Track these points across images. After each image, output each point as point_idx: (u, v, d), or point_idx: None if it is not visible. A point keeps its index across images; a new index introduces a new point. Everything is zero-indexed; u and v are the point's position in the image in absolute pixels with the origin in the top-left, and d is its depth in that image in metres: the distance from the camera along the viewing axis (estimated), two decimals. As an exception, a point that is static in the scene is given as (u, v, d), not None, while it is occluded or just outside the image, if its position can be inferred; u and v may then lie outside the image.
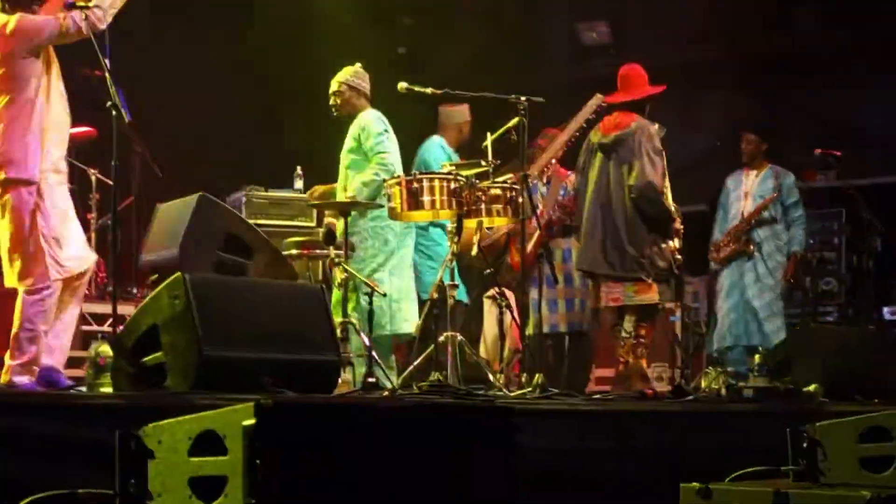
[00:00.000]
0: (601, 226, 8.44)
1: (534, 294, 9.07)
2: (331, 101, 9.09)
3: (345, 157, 8.97)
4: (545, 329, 9.43)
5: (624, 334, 8.41)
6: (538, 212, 9.22)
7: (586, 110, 9.13)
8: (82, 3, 6.71)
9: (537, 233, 8.97)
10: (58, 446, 4.39)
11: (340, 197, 8.81)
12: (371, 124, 8.88)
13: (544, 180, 9.71)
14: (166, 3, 11.55)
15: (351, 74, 9.10)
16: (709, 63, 14.06)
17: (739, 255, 10.28)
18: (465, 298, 9.47)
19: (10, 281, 6.74)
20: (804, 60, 14.04)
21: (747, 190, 10.35)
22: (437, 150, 9.60)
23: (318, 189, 9.36)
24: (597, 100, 9.16)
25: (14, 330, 6.58)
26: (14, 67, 6.71)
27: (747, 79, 13.95)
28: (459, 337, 7.78)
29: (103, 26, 6.77)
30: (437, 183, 7.65)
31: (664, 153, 8.62)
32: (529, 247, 8.78)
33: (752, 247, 10.21)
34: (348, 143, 8.97)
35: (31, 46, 6.71)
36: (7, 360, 6.59)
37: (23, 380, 6.49)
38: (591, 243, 8.44)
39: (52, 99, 6.78)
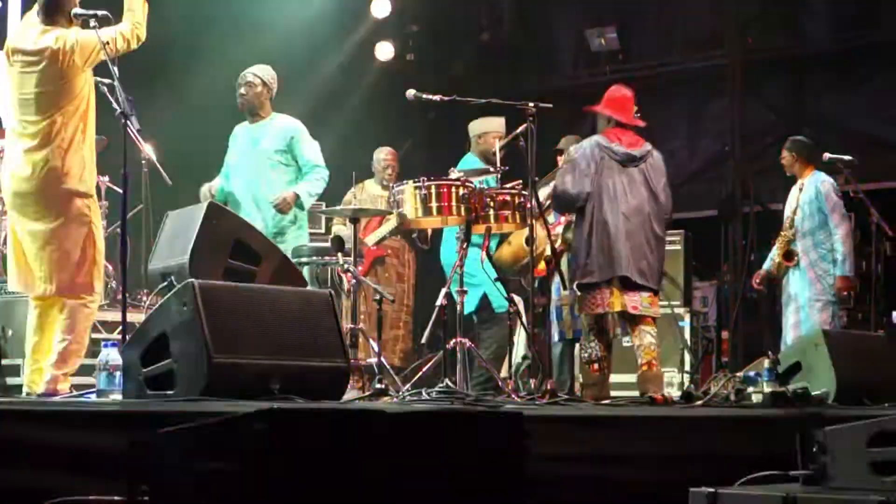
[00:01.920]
0: (629, 234, 8.27)
1: (559, 302, 9.29)
2: (241, 91, 9.01)
3: (263, 157, 8.92)
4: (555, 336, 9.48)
5: (653, 341, 8.30)
6: (561, 218, 9.27)
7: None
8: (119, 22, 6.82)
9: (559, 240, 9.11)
10: (68, 454, 4.40)
11: (247, 195, 8.88)
12: (305, 134, 8.99)
13: None
14: (176, 10, 11.58)
15: (268, 73, 9.05)
16: (717, 68, 14.05)
17: (788, 268, 10.29)
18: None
19: (43, 289, 6.77)
20: (812, 65, 14.04)
21: (790, 202, 10.40)
22: (471, 163, 9.43)
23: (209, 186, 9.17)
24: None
25: (65, 341, 6.65)
26: (71, 82, 6.76)
27: (756, 84, 13.94)
28: (468, 343, 7.79)
29: (143, 39, 6.86)
30: (445, 189, 7.66)
31: None
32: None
33: (794, 259, 10.23)
34: (272, 143, 8.93)
35: (90, 62, 6.76)
36: (52, 370, 6.65)
37: (65, 388, 6.56)
38: (623, 249, 8.26)
39: (93, 115, 6.86)
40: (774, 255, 10.44)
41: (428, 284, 10.92)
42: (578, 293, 8.42)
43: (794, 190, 10.43)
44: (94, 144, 7.01)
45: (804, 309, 10.20)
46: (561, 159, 9.72)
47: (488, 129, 9.45)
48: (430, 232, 9.99)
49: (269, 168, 8.89)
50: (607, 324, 8.45)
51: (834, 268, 10.19)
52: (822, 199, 10.20)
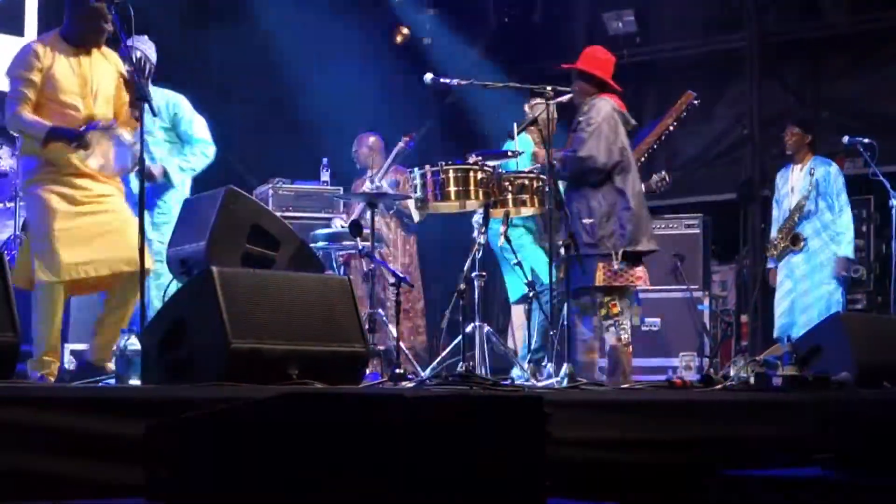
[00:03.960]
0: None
1: None
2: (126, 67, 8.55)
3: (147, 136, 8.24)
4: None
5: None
6: None
7: (678, 107, 9.07)
8: None
9: None
10: (86, 440, 4.40)
11: (133, 178, 8.03)
12: (188, 107, 8.56)
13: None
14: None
15: (149, 44, 8.40)
16: (735, 51, 14.01)
17: (790, 251, 10.24)
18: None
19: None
20: (832, 47, 13.99)
21: (793, 185, 10.34)
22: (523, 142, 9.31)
23: None
24: (688, 97, 9.10)
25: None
26: None
27: (774, 67, 13.90)
28: (487, 327, 7.78)
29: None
30: (463, 174, 7.65)
31: None
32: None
33: (801, 243, 10.19)
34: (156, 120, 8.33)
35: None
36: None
37: (35, 374, 6.62)
38: (648, 222, 8.25)
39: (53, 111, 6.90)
40: (776, 239, 10.36)
41: (431, 270, 10.97)
42: (621, 265, 8.09)
43: (795, 174, 10.36)
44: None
45: (813, 291, 10.16)
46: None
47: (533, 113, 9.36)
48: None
49: (153, 147, 8.36)
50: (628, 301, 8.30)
51: (838, 248, 10.20)
52: (832, 183, 10.17)
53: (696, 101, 9.15)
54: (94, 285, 7.10)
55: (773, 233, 10.52)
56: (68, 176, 6.92)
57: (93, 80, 7.03)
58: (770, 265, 10.61)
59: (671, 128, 9.21)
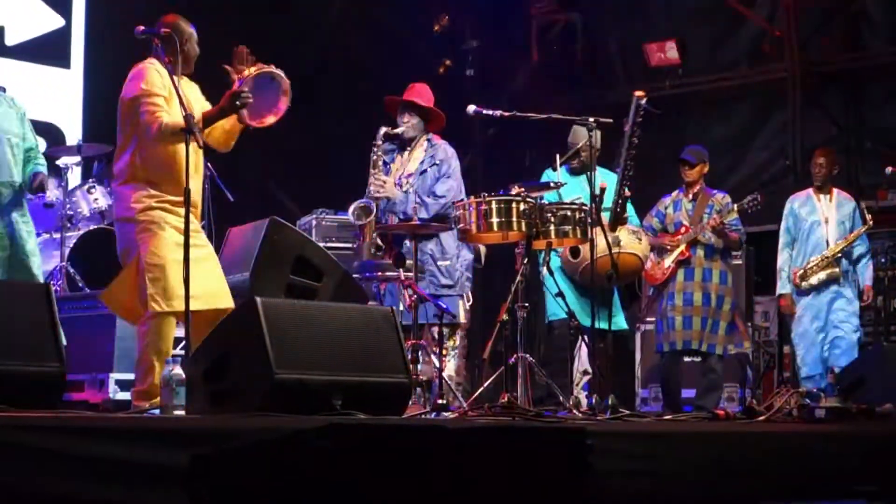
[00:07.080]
0: None
1: (672, 312, 9.65)
2: None
3: (6, 140, 8.06)
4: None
5: None
6: (681, 228, 9.33)
7: (632, 114, 9.01)
8: None
9: (678, 249, 9.59)
10: (132, 469, 4.43)
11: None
12: (26, 120, 8.32)
13: (690, 197, 9.73)
14: (234, 24, 11.65)
15: None
16: (777, 81, 13.98)
17: (828, 282, 10.11)
18: (624, 325, 9.46)
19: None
20: (874, 77, 13.95)
21: (827, 216, 10.20)
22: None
23: None
24: (635, 98, 9.03)
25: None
26: None
27: (817, 97, 13.86)
28: (529, 358, 7.78)
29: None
30: (506, 205, 7.65)
31: None
32: (670, 262, 9.60)
33: (840, 275, 10.09)
34: (16, 124, 8.17)
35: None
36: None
37: (142, 405, 6.64)
38: None
39: (152, 146, 6.89)
40: (810, 268, 10.18)
41: (487, 300, 10.95)
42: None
43: (824, 205, 10.25)
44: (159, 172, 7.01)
45: (848, 322, 10.07)
46: (688, 170, 9.70)
47: (575, 139, 9.27)
48: (483, 250, 9.82)
49: (11, 152, 8.10)
50: None
51: (863, 279, 10.16)
52: (860, 218, 10.12)
53: (642, 101, 8.91)
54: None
55: (798, 260, 10.27)
56: (177, 206, 6.89)
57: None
58: (784, 291, 10.39)
59: (635, 139, 8.93)
